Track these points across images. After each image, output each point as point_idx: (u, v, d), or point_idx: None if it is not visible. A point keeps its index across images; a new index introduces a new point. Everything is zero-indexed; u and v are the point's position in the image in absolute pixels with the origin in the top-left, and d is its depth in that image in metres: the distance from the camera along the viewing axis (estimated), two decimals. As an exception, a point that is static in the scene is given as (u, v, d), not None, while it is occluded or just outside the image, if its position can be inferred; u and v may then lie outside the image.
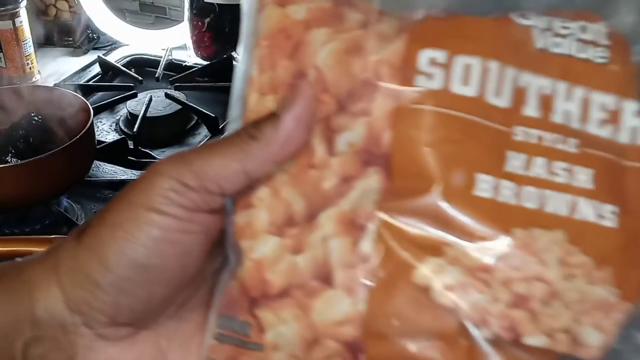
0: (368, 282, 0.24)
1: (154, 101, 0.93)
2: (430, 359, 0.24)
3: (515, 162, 0.24)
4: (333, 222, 0.25)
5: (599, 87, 0.26)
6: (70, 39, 1.10)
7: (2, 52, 0.93)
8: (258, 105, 0.26)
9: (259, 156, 0.25)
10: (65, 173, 0.70)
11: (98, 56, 1.05)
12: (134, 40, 1.09)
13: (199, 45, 1.01)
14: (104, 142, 0.84)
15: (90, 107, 0.75)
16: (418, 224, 0.24)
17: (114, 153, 0.82)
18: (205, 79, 1.01)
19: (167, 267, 0.25)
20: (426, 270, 0.24)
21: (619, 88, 0.26)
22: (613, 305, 0.24)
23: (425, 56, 0.25)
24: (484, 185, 0.24)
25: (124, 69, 1.03)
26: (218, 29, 1.01)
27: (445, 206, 0.24)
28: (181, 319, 0.28)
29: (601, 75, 0.26)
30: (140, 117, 0.88)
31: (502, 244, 0.24)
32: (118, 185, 0.76)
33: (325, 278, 0.25)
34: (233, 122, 0.27)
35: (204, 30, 1.00)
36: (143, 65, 1.05)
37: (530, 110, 0.25)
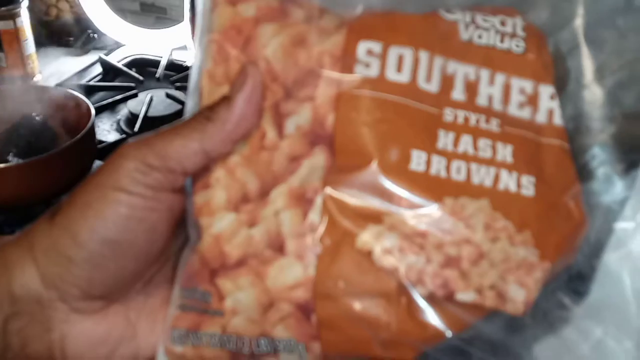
0: (316, 249, 0.27)
1: (154, 101, 0.94)
2: (374, 316, 0.27)
3: (445, 139, 0.28)
4: (284, 196, 0.28)
5: (518, 74, 0.29)
6: (71, 39, 1.10)
7: (3, 52, 0.93)
8: (213, 94, 0.29)
9: (215, 135, 0.27)
10: (66, 173, 0.70)
11: (99, 56, 1.05)
12: (134, 41, 1.09)
13: (200, 45, 1.01)
14: (104, 142, 0.85)
15: (91, 107, 0.75)
16: (359, 196, 0.27)
17: (114, 153, 0.82)
18: (206, 78, 1.00)
19: (136, 242, 0.28)
20: (367, 237, 0.27)
21: (535, 74, 0.29)
22: (534, 264, 0.27)
23: (363, 47, 0.28)
24: (418, 160, 0.27)
25: (125, 69, 1.03)
26: (219, 29, 1.00)
27: (383, 179, 0.27)
28: (148, 294, 0.31)
29: (520, 63, 0.29)
30: (141, 116, 0.89)
31: (434, 211, 0.27)
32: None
33: (278, 247, 0.28)
34: (190, 111, 0.30)
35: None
36: (144, 65, 1.06)
37: (458, 94, 0.28)
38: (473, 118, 0.28)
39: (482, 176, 0.27)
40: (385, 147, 0.27)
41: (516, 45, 0.29)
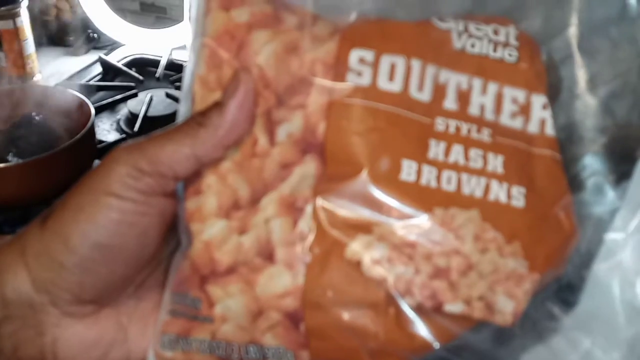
0: (306, 258, 0.27)
1: (154, 101, 0.93)
2: (362, 325, 0.27)
3: (436, 149, 0.28)
4: (274, 204, 0.28)
5: (511, 83, 0.29)
6: (71, 38, 1.10)
7: (3, 51, 0.93)
8: (205, 99, 0.29)
9: (207, 141, 0.27)
10: (66, 173, 0.70)
11: (99, 56, 1.05)
12: (134, 40, 1.09)
13: (199, 45, 1.00)
14: (104, 141, 0.85)
15: (91, 107, 0.75)
16: (349, 206, 0.27)
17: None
18: (206, 78, 1.00)
19: (127, 247, 0.28)
20: (357, 247, 0.27)
21: (528, 84, 0.29)
22: (522, 275, 0.27)
23: (356, 55, 0.28)
24: (409, 170, 0.27)
25: (124, 68, 1.03)
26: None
27: (373, 189, 0.27)
28: (140, 298, 0.31)
29: (512, 72, 0.29)
30: (140, 116, 0.89)
31: (424, 222, 0.27)
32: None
33: (268, 255, 0.28)
34: (183, 116, 0.30)
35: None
36: (144, 65, 1.06)
37: (450, 103, 0.28)
38: (464, 128, 0.28)
39: (473, 187, 0.27)
40: (376, 157, 0.27)
41: (509, 55, 0.29)
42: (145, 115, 0.89)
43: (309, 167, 0.28)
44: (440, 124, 0.28)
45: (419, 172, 0.27)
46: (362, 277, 0.27)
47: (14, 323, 0.28)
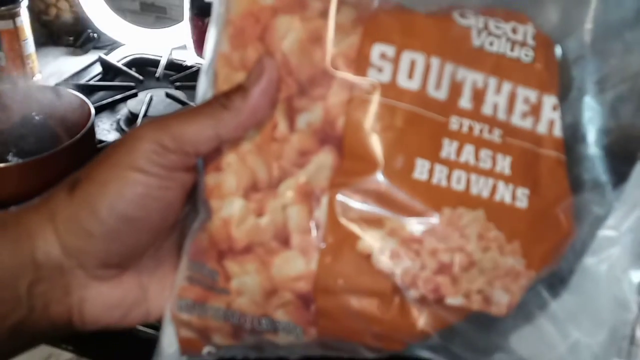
0: (320, 247, 0.28)
1: (154, 100, 0.93)
2: (368, 312, 0.29)
3: (449, 149, 0.28)
4: (292, 191, 0.29)
5: (525, 83, 0.29)
6: (71, 38, 1.10)
7: (3, 51, 0.92)
8: (229, 78, 0.30)
9: (229, 123, 0.28)
10: (66, 172, 0.68)
11: (99, 56, 1.05)
12: (134, 40, 1.09)
13: (199, 45, 1.00)
14: (104, 141, 0.85)
15: (91, 107, 0.75)
16: (363, 200, 0.28)
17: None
18: (206, 78, 1.00)
19: (151, 218, 0.30)
20: (368, 240, 0.28)
21: (541, 84, 0.29)
22: (520, 272, 0.28)
23: (377, 50, 0.29)
24: (422, 169, 0.28)
25: (124, 68, 1.02)
26: (218, 29, 0.99)
27: (387, 186, 0.28)
28: (159, 260, 0.33)
29: (527, 72, 0.29)
30: (140, 116, 0.89)
31: (432, 220, 0.28)
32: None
33: (284, 240, 0.29)
34: (204, 89, 0.31)
35: (204, 30, 0.99)
36: (144, 65, 1.06)
37: (465, 102, 0.29)
38: (477, 128, 0.29)
39: (481, 187, 0.28)
40: (392, 155, 0.28)
41: (525, 55, 0.29)
42: (145, 115, 0.89)
43: (326, 158, 0.29)
44: (454, 123, 0.29)
45: (431, 171, 0.28)
46: (372, 268, 0.28)
47: (45, 284, 0.30)
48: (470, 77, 0.29)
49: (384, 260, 0.28)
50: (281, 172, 0.29)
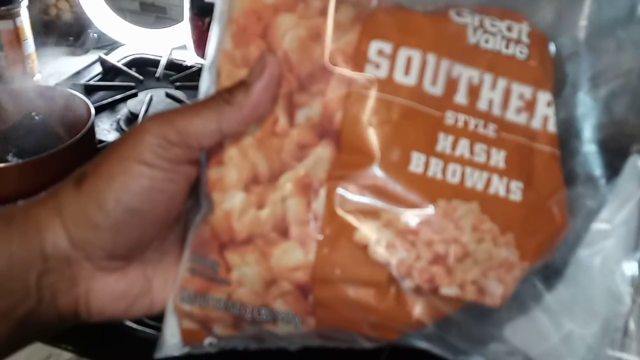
0: (317, 238, 0.29)
1: (154, 100, 0.93)
2: (365, 301, 0.29)
3: (444, 142, 0.29)
4: (291, 184, 0.30)
5: (519, 79, 0.30)
6: (71, 38, 1.10)
7: (3, 51, 0.93)
8: (231, 75, 0.31)
9: (232, 118, 0.29)
10: (66, 172, 0.69)
11: (99, 56, 1.05)
12: (134, 40, 1.09)
13: (199, 45, 1.01)
14: (104, 141, 0.85)
15: (91, 107, 0.75)
16: (360, 192, 0.29)
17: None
18: (206, 78, 1.00)
19: (156, 210, 0.31)
20: (365, 231, 0.29)
21: (535, 81, 0.30)
22: (513, 264, 0.29)
23: (375, 47, 0.30)
24: (417, 162, 0.29)
25: (124, 68, 1.03)
26: (218, 29, 1.00)
27: (383, 178, 0.29)
28: (163, 251, 0.34)
29: (522, 69, 0.30)
30: (140, 116, 0.89)
31: (428, 211, 0.29)
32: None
33: (283, 231, 0.30)
34: (207, 86, 0.31)
35: (204, 30, 0.99)
36: (144, 65, 1.06)
37: (460, 97, 0.30)
38: (472, 123, 0.30)
39: (475, 180, 0.29)
40: (388, 149, 0.29)
41: (520, 52, 0.30)
42: (145, 115, 0.89)
43: (324, 151, 0.30)
44: (449, 117, 0.30)
45: (426, 164, 0.29)
46: (368, 258, 0.29)
47: (53, 275, 0.30)
48: (466, 74, 0.30)
49: (380, 251, 0.29)
50: (281, 165, 0.30)
